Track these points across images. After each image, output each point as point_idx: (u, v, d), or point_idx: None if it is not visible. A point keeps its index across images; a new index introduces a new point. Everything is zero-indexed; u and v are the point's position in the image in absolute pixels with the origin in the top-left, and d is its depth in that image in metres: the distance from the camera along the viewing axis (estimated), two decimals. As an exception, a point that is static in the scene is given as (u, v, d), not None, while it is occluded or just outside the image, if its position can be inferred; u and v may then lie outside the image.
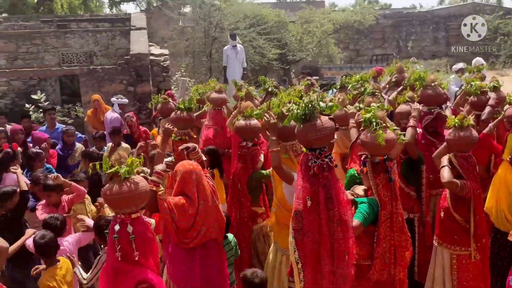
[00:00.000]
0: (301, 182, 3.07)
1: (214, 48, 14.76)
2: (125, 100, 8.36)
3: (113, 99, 8.20)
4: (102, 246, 3.94)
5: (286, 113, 3.53)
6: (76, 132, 7.08)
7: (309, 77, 7.98)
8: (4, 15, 18.35)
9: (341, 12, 20.23)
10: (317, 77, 13.23)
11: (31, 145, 6.35)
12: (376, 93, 5.56)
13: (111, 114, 7.86)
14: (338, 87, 6.82)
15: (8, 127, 6.90)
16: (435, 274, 4.04)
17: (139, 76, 10.18)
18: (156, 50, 11.82)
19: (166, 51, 11.93)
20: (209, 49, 14.72)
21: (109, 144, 6.82)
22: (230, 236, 3.91)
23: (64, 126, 7.47)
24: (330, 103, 3.26)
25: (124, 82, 10.12)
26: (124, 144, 6.75)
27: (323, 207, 2.98)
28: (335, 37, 18.82)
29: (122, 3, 25.78)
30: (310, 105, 3.08)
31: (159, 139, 6.53)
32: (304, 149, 3.22)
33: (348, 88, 6.21)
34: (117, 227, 2.76)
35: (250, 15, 15.89)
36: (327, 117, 3.14)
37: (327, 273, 2.99)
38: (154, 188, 3.13)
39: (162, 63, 11.09)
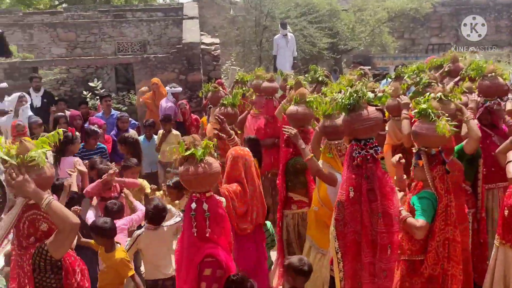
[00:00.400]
0: (346, 172, 3.04)
1: (265, 37, 14.73)
2: (179, 89, 8.54)
3: (167, 88, 8.39)
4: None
5: (331, 103, 3.48)
6: (130, 119, 7.30)
7: (361, 67, 7.80)
8: (64, 5, 19.12)
9: (396, -1, 19.57)
10: (369, 67, 12.90)
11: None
12: (433, 84, 5.36)
13: (166, 103, 8.05)
14: (393, 77, 6.63)
15: (67, 113, 7.24)
16: (495, 274, 3.85)
17: (191, 64, 10.33)
18: (207, 39, 11.95)
19: (217, 40, 12.03)
20: (260, 38, 14.71)
21: (160, 131, 7.02)
22: (268, 223, 4.06)
23: (119, 112, 7.73)
24: (380, 94, 3.18)
25: (176, 71, 10.31)
26: (174, 131, 6.93)
27: (365, 199, 2.95)
28: (389, 25, 18.21)
29: (175, -8, 26.14)
30: (355, 95, 3.01)
31: (208, 127, 6.63)
32: None
33: (404, 78, 6.02)
34: (193, 205, 2.94)
35: (302, 4, 15.70)
36: (374, 108, 3.06)
37: (367, 264, 2.96)
38: None
39: (213, 52, 11.20)
